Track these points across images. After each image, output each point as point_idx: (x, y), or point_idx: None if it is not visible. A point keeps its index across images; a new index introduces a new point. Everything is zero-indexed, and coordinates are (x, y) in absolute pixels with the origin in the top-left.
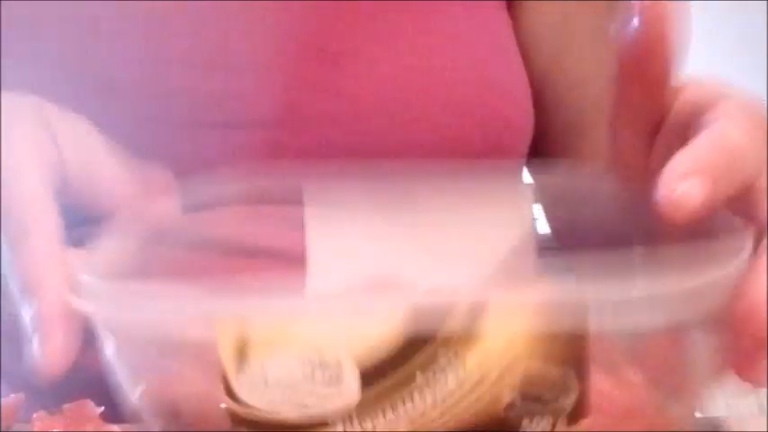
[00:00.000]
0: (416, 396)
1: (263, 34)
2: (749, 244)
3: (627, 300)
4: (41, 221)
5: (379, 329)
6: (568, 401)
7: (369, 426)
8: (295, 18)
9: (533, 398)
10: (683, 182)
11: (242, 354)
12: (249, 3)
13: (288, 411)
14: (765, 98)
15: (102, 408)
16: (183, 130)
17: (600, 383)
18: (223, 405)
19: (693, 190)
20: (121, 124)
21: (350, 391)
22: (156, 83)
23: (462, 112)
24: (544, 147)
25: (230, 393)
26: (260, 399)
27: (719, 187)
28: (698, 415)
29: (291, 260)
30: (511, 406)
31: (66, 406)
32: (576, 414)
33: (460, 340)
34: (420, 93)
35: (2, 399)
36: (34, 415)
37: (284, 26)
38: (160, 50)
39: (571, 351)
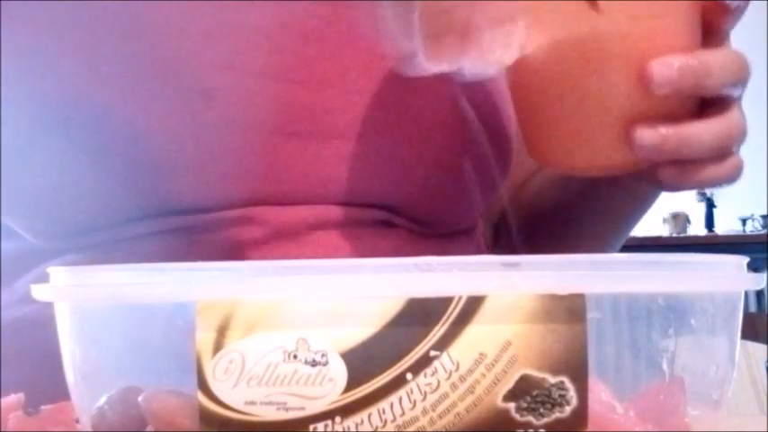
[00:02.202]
0: (406, 399)
1: (348, 52)
2: None
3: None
4: None
5: (371, 324)
6: (565, 413)
7: (352, 427)
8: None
9: (529, 407)
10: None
11: (220, 341)
12: (333, 26)
13: (264, 411)
14: (765, 98)
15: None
16: (272, 137)
17: (594, 405)
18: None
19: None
20: (214, 128)
21: (335, 391)
22: (247, 93)
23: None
24: None
25: (203, 386)
26: (235, 396)
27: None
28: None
29: None
30: (505, 414)
31: (44, 407)
32: (574, 427)
33: (454, 341)
34: None
35: (2, 398)
36: (11, 414)
37: (368, 43)
38: (253, 62)
39: (569, 360)
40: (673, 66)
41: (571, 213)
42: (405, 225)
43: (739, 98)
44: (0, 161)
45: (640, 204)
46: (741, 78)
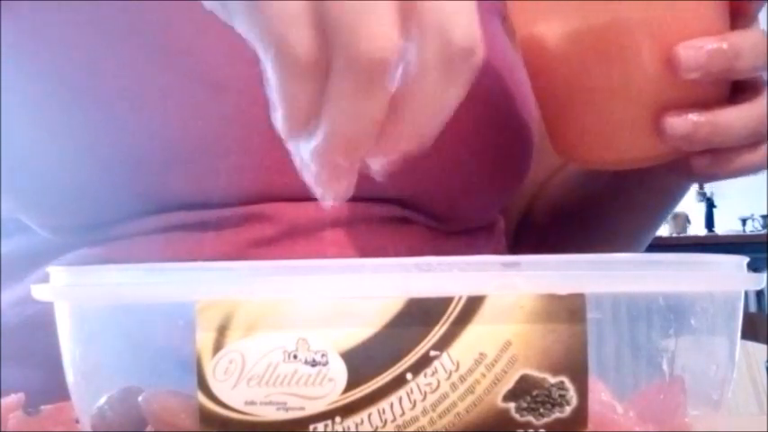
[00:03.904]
0: (406, 399)
1: None
2: None
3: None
4: None
5: (371, 324)
6: (565, 413)
7: (352, 427)
8: None
9: (529, 407)
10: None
11: (220, 341)
12: None
13: (264, 411)
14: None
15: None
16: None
17: (594, 406)
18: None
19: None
20: (226, 123)
21: (335, 391)
22: (260, 87)
23: None
24: None
25: (203, 386)
26: (235, 396)
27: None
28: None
29: None
30: (505, 414)
31: (44, 407)
32: (574, 427)
33: (454, 341)
34: None
35: (2, 398)
36: (11, 414)
37: None
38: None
39: (569, 360)
40: (701, 49)
41: (599, 211)
42: (421, 221)
43: None
44: (1, 158)
45: (670, 199)
46: None
